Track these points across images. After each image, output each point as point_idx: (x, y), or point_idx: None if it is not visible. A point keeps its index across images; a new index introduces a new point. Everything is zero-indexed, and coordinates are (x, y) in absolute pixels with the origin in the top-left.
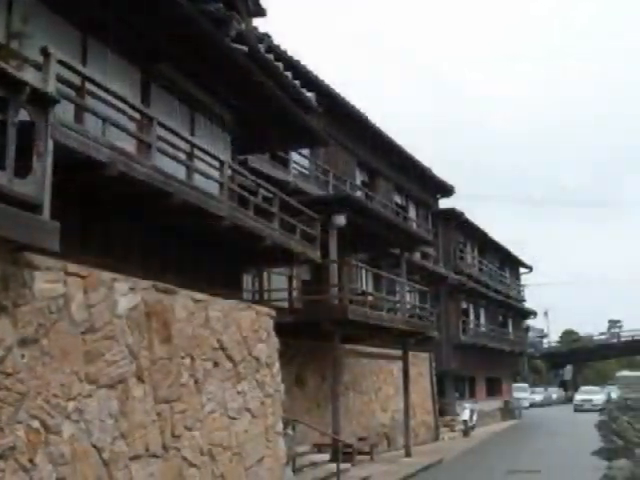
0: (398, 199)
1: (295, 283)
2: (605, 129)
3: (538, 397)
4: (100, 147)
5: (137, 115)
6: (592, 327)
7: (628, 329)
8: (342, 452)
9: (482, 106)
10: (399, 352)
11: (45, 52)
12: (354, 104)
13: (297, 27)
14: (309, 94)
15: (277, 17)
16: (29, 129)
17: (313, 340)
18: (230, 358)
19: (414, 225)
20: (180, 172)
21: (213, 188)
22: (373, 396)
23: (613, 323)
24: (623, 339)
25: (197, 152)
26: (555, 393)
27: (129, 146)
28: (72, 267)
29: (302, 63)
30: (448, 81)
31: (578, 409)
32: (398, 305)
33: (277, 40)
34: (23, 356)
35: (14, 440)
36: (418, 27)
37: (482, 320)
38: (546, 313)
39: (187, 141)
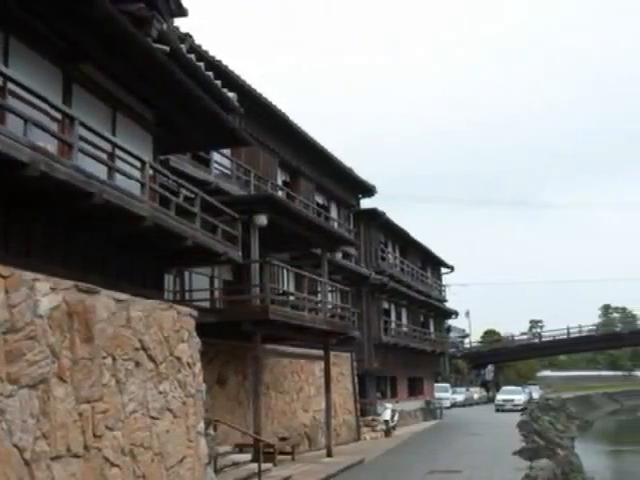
0: (320, 199)
1: (217, 283)
2: (531, 132)
3: (459, 397)
4: (22, 147)
5: (59, 115)
6: (513, 327)
7: (549, 329)
8: (263, 452)
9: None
10: (320, 352)
11: None
12: (276, 104)
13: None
14: (231, 94)
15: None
16: None
17: (234, 340)
18: (151, 358)
19: (336, 225)
20: (102, 172)
21: (135, 188)
22: (294, 396)
23: (534, 323)
24: (544, 339)
25: (119, 152)
26: (477, 393)
27: (51, 146)
28: None
29: (224, 63)
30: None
31: (499, 409)
32: (319, 305)
33: (199, 40)
34: None
35: None
36: (350, 25)
37: (404, 320)
38: (467, 313)
39: (109, 141)
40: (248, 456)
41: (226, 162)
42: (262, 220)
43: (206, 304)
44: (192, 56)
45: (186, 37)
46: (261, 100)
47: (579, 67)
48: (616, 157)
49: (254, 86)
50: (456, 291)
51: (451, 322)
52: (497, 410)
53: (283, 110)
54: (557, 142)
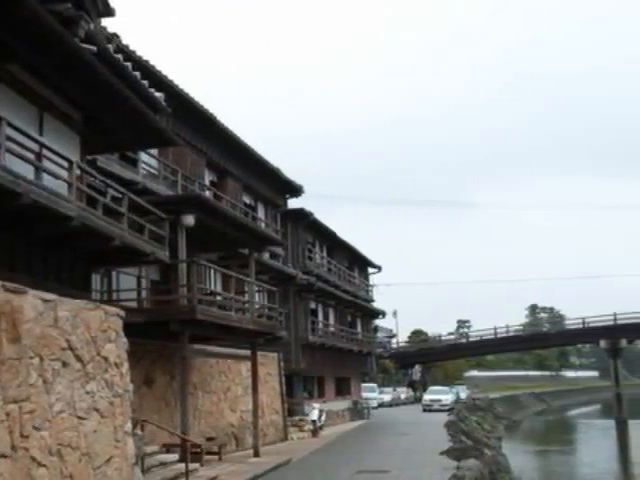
0: (247, 199)
1: (144, 283)
2: (457, 131)
3: (387, 397)
4: None
5: None
6: (441, 327)
7: (476, 329)
8: (191, 452)
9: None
10: (248, 352)
11: None
12: (203, 104)
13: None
14: (158, 94)
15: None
16: None
17: (162, 340)
18: (79, 358)
19: (263, 225)
20: (29, 172)
21: (62, 188)
22: (222, 396)
23: (462, 323)
24: (471, 339)
25: (46, 152)
26: (404, 393)
27: None
28: None
29: (151, 63)
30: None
31: (427, 409)
32: (247, 305)
33: (126, 40)
34: None
35: None
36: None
37: (331, 320)
38: (395, 313)
39: (36, 141)
40: (175, 456)
41: (153, 162)
42: (189, 220)
43: (134, 304)
44: (120, 56)
45: (113, 37)
46: (188, 100)
47: (495, 66)
48: (540, 158)
49: (182, 86)
50: (383, 291)
51: (378, 322)
52: (424, 410)
53: (211, 110)
54: (482, 142)
